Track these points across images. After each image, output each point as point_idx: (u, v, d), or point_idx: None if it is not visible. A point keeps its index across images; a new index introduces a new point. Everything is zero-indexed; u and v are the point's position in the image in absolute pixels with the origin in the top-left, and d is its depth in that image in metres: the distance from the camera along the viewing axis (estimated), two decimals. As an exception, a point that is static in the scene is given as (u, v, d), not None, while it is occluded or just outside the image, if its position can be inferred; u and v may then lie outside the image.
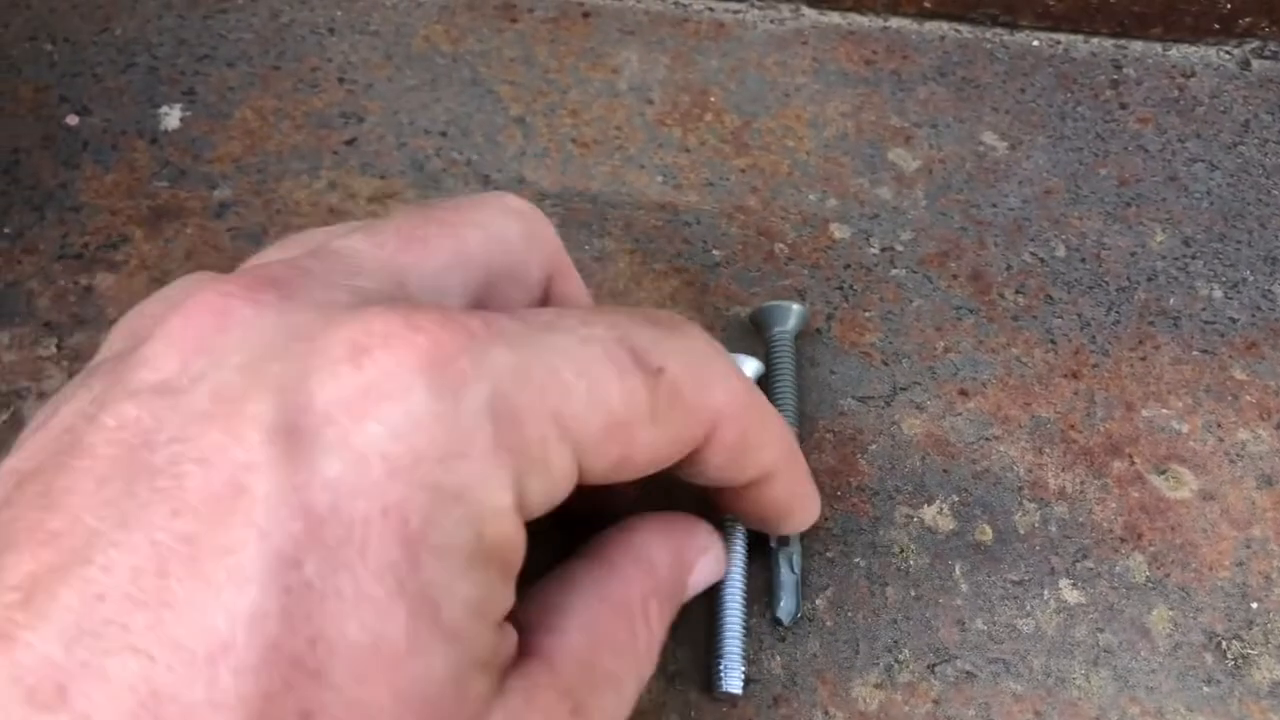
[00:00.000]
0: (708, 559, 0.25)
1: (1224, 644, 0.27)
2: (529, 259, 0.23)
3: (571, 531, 0.23)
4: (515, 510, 0.18)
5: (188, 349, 0.18)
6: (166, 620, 0.15)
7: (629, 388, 0.19)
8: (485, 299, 0.22)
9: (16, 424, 0.29)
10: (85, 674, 0.15)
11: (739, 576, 0.26)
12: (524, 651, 0.20)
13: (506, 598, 0.19)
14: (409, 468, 0.17)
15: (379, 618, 0.16)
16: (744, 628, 0.26)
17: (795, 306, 0.30)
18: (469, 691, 0.18)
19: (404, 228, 0.21)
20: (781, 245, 0.34)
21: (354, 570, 0.16)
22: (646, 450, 0.20)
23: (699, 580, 0.25)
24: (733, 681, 0.25)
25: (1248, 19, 0.37)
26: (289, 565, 0.16)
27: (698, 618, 0.26)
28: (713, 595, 0.26)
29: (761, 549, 0.27)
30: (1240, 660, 0.27)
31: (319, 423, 0.17)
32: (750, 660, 0.27)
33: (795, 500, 0.25)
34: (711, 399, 0.21)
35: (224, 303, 0.18)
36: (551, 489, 0.19)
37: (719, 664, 0.26)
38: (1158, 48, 0.38)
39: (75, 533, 0.16)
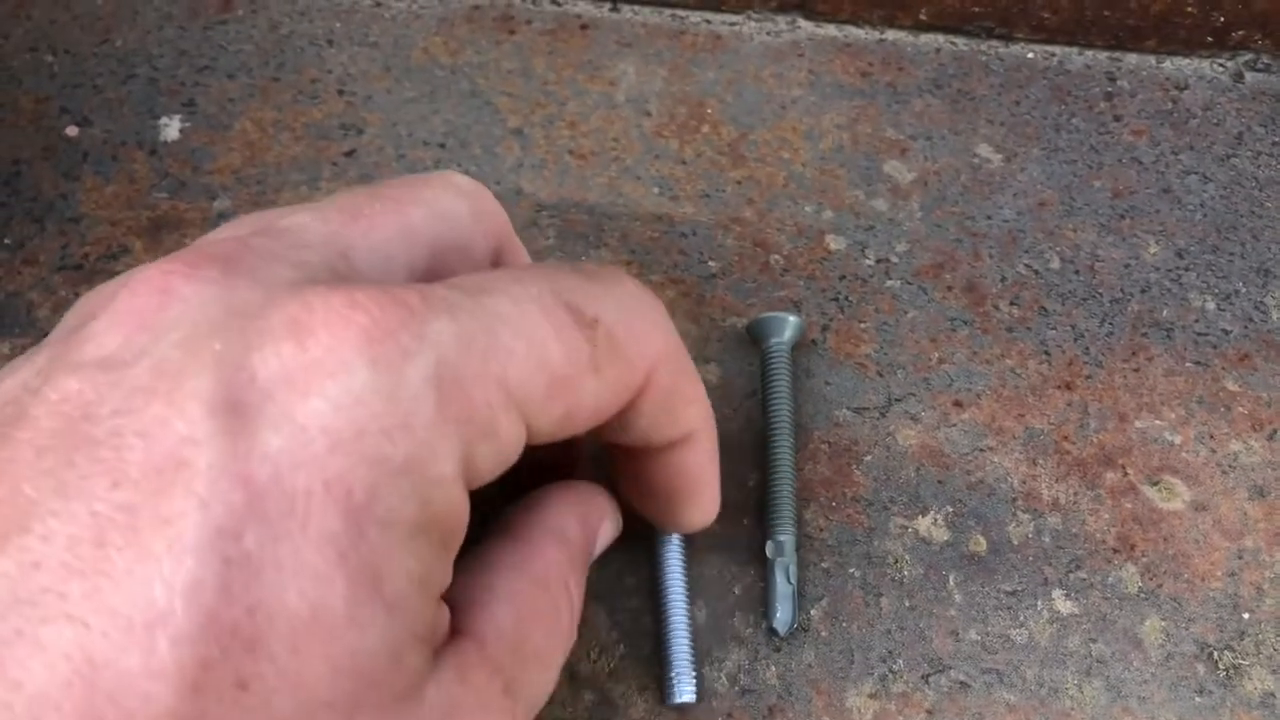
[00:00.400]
0: (608, 524, 0.25)
1: (1216, 654, 0.28)
2: (475, 235, 0.23)
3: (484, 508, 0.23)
4: (460, 479, 0.18)
5: (130, 326, 0.18)
6: (104, 589, 0.16)
7: (567, 342, 0.20)
8: (432, 274, 0.22)
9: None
10: (19, 641, 0.15)
11: (680, 587, 0.27)
12: (454, 630, 0.20)
13: (446, 573, 0.19)
14: (351, 441, 0.17)
15: (318, 588, 0.17)
16: (690, 636, 0.26)
17: (791, 318, 0.31)
18: (405, 664, 0.18)
19: (349, 205, 0.22)
20: (777, 257, 0.34)
21: (294, 541, 0.16)
22: (591, 400, 0.20)
23: (601, 545, 0.25)
24: (685, 692, 0.26)
25: (1241, 32, 0.38)
26: (228, 536, 0.16)
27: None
28: (657, 608, 0.27)
29: (733, 560, 0.28)
30: (1232, 671, 0.27)
31: (260, 399, 0.17)
32: (748, 671, 0.27)
33: (708, 474, 0.25)
34: (648, 344, 0.21)
35: (166, 280, 0.19)
36: (501, 453, 0.19)
37: (669, 676, 0.26)
38: (1151, 60, 0.39)
39: (15, 502, 0.16)
